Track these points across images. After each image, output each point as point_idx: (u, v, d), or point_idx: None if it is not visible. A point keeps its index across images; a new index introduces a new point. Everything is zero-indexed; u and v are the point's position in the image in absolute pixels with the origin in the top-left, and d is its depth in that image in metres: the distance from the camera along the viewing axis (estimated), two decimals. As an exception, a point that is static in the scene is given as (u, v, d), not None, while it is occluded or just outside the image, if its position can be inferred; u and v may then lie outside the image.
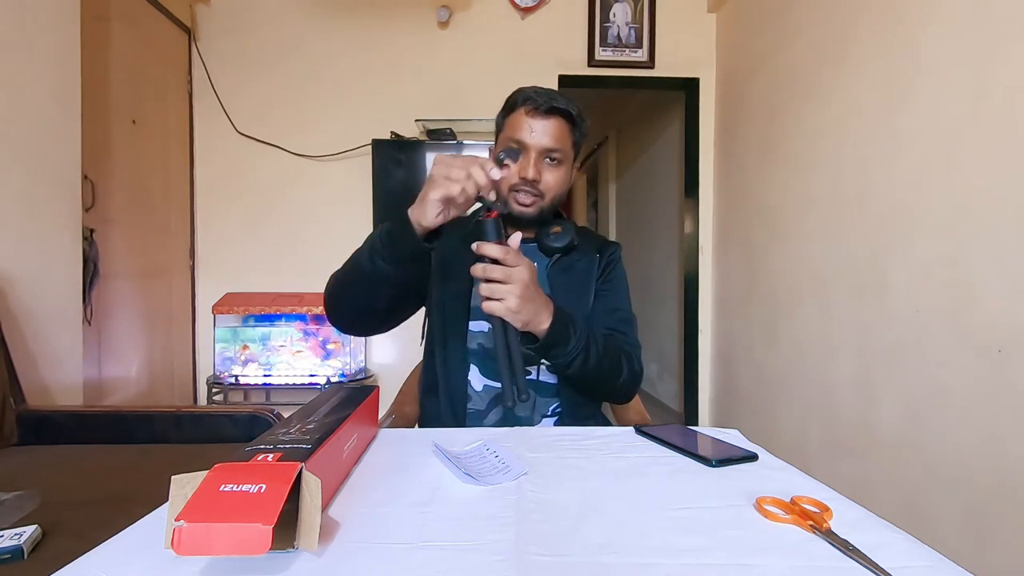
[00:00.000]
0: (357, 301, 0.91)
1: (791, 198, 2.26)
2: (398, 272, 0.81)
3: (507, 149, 0.82)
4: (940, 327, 1.48)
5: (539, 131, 0.94)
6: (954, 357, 1.43)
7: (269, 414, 1.39)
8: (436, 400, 0.98)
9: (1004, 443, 1.29)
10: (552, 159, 0.96)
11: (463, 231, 1.01)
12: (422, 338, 1.04)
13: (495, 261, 0.74)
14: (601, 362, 0.88)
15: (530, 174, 0.93)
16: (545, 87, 0.97)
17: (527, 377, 0.96)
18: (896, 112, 1.66)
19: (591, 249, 1.05)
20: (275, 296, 2.74)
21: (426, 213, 0.74)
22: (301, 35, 2.89)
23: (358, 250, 0.87)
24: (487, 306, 0.74)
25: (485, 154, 0.99)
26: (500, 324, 0.76)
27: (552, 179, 0.96)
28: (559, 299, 0.97)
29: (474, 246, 0.75)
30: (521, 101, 0.96)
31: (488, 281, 0.74)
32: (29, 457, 1.25)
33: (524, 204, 0.96)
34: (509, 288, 0.74)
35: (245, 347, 2.71)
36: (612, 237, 4.89)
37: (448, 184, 0.71)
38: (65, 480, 1.08)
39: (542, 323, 0.80)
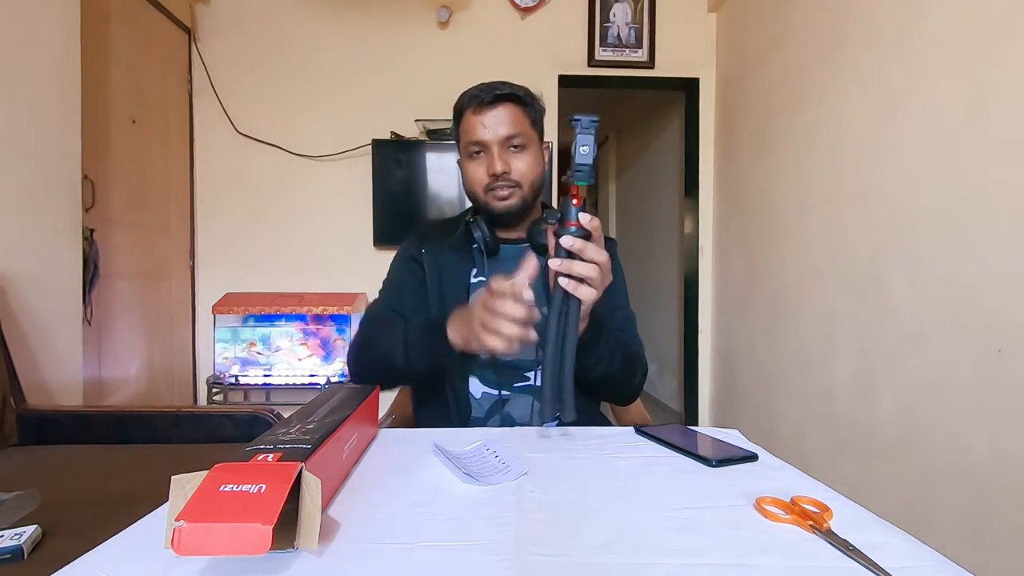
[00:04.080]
0: (385, 381, 0.92)
1: (791, 198, 2.26)
2: (431, 370, 0.86)
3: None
4: (940, 327, 1.48)
5: (491, 123, 0.92)
6: (954, 357, 1.43)
7: (269, 414, 1.39)
8: (440, 408, 0.96)
9: (1004, 443, 1.29)
10: (515, 146, 0.93)
11: (454, 238, 1.01)
12: None
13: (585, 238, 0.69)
14: (623, 365, 0.88)
15: (498, 168, 0.92)
16: (488, 81, 0.95)
17: (525, 384, 0.96)
18: (896, 112, 1.66)
19: None
20: (275, 296, 2.74)
21: (473, 343, 0.74)
22: (301, 35, 2.89)
23: (390, 336, 0.88)
24: (575, 289, 0.69)
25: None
26: (559, 316, 0.70)
27: (522, 165, 0.94)
28: None
29: (587, 218, 0.69)
30: (466, 103, 0.94)
31: (571, 261, 0.69)
32: (29, 457, 1.25)
33: (503, 198, 0.94)
34: (599, 274, 0.69)
35: (252, 344, 2.71)
36: (612, 237, 4.87)
37: (499, 341, 0.69)
38: (65, 480, 1.08)
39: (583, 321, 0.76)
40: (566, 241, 0.68)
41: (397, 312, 0.97)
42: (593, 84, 3.04)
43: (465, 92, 0.96)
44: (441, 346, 0.80)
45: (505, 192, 0.94)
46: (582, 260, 0.69)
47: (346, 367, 0.98)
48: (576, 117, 0.68)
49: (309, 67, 2.90)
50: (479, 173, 0.94)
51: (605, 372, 0.86)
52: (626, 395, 0.99)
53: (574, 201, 0.69)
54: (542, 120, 1.00)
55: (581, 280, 0.69)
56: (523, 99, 0.95)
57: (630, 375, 0.92)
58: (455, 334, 0.79)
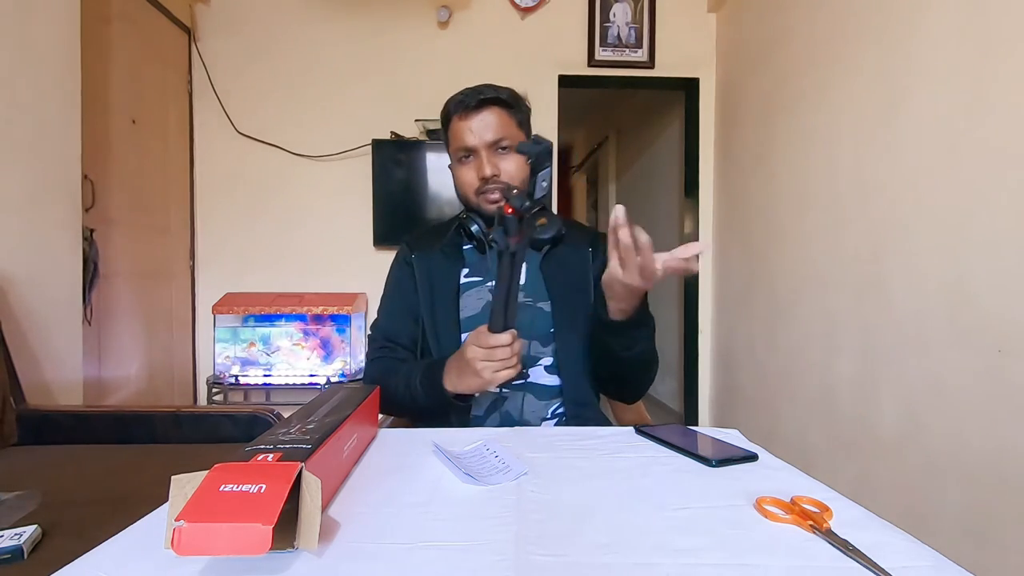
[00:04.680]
0: (398, 415, 1.01)
1: (791, 197, 2.26)
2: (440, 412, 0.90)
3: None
4: (940, 327, 1.48)
5: (478, 128, 0.94)
6: (954, 357, 1.43)
7: (269, 414, 1.39)
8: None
9: (1004, 443, 1.29)
10: (502, 148, 0.95)
11: (443, 241, 1.02)
12: None
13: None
14: (649, 355, 0.92)
15: (486, 172, 0.94)
16: (472, 85, 0.97)
17: (524, 380, 0.96)
18: (895, 111, 1.66)
19: (582, 243, 1.04)
20: (275, 296, 2.74)
21: (475, 389, 0.82)
22: (301, 35, 2.89)
23: (390, 380, 0.92)
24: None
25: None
26: (508, 267, 0.77)
27: (511, 167, 0.96)
28: (558, 296, 0.97)
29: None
30: (452, 109, 0.97)
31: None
32: (29, 457, 1.25)
33: (494, 201, 0.96)
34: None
35: (252, 344, 2.71)
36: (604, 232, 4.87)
37: (499, 376, 0.79)
38: (65, 480, 1.08)
39: (633, 308, 0.83)
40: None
41: (392, 342, 1.01)
42: (593, 84, 3.04)
43: (451, 98, 0.98)
44: (442, 395, 0.86)
45: (496, 196, 0.95)
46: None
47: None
48: (532, 145, 0.71)
49: (309, 67, 2.90)
50: (469, 177, 0.97)
51: (640, 353, 0.90)
52: (640, 386, 1.01)
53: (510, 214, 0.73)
54: (528, 121, 1.01)
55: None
56: (508, 102, 0.97)
57: (649, 366, 0.95)
58: (452, 383, 0.85)
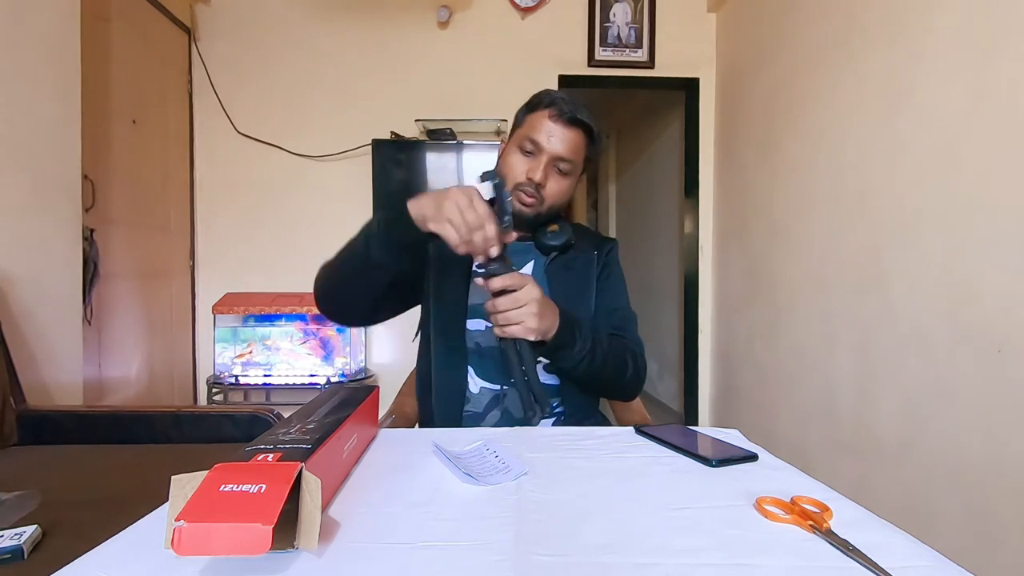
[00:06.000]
0: (349, 288, 0.91)
1: (791, 198, 2.26)
2: (393, 260, 0.83)
3: (493, 179, 0.79)
4: (940, 327, 1.48)
5: (557, 137, 0.93)
6: (954, 357, 1.43)
7: (269, 414, 1.39)
8: (432, 401, 0.97)
9: (1004, 443, 1.29)
10: (561, 169, 0.96)
11: None
12: (416, 335, 1.04)
13: (501, 292, 0.77)
14: (606, 362, 0.90)
15: (537, 176, 0.93)
16: (571, 97, 0.96)
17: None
18: (896, 112, 1.66)
19: (589, 247, 1.04)
20: (275, 296, 2.74)
21: (429, 221, 0.76)
22: (301, 35, 2.89)
23: (352, 239, 0.87)
24: (505, 331, 0.77)
25: (493, 155, 0.98)
26: (512, 343, 0.79)
27: (556, 188, 0.96)
28: (560, 299, 0.97)
29: (479, 281, 0.78)
30: (546, 103, 0.95)
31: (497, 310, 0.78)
32: (29, 457, 1.25)
33: (523, 204, 0.95)
34: (525, 310, 0.77)
35: (251, 347, 2.71)
36: (611, 237, 4.88)
37: (454, 231, 0.74)
38: (65, 480, 1.08)
39: (552, 330, 0.82)
40: (488, 305, 0.78)
41: None
42: (593, 84, 3.04)
43: (550, 92, 0.97)
44: (402, 221, 0.78)
45: (528, 201, 0.95)
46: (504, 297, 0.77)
47: (316, 302, 0.96)
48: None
49: (309, 67, 2.90)
50: (519, 167, 0.95)
51: (588, 369, 0.88)
52: (613, 392, 1.01)
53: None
54: (595, 159, 1.03)
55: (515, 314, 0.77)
56: (594, 136, 0.97)
57: (618, 373, 0.94)
58: (415, 206, 0.77)
